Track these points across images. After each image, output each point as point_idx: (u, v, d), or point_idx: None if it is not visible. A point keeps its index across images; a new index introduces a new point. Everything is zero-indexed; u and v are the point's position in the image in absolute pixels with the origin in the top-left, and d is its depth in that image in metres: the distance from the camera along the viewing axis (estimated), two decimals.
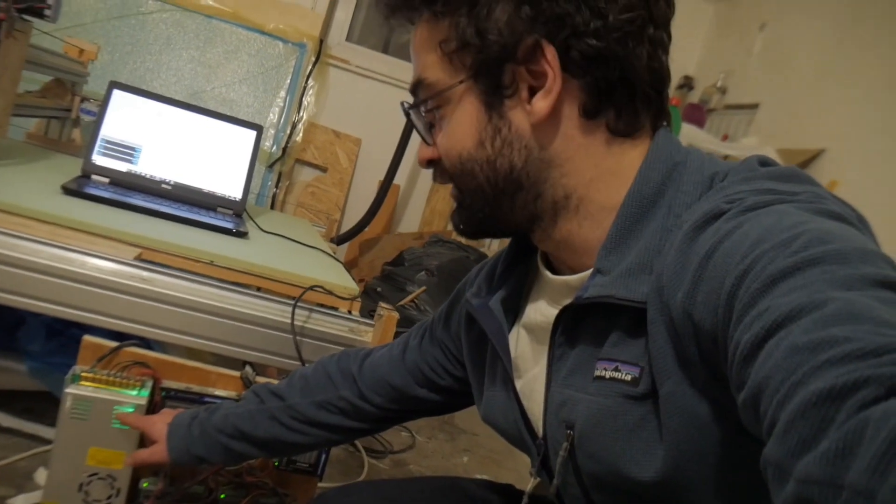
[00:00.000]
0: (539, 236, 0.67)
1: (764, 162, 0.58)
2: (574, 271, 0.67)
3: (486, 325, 0.74)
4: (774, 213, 0.47)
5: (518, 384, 0.73)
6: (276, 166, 3.34)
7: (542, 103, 0.61)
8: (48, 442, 1.30)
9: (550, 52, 0.59)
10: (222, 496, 1.08)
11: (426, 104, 0.66)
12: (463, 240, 3.35)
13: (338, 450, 1.69)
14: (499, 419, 0.76)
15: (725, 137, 3.06)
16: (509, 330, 0.76)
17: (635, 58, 0.61)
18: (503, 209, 0.66)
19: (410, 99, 0.69)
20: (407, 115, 0.69)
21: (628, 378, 0.57)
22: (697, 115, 3.20)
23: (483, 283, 0.78)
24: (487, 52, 0.61)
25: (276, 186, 3.38)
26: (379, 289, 3.04)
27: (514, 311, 0.76)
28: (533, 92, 0.61)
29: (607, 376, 0.59)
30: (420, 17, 0.65)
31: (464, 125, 0.64)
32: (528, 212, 0.65)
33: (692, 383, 0.52)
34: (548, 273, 0.70)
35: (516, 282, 0.76)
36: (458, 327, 0.85)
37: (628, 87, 0.61)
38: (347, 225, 3.46)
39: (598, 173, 0.63)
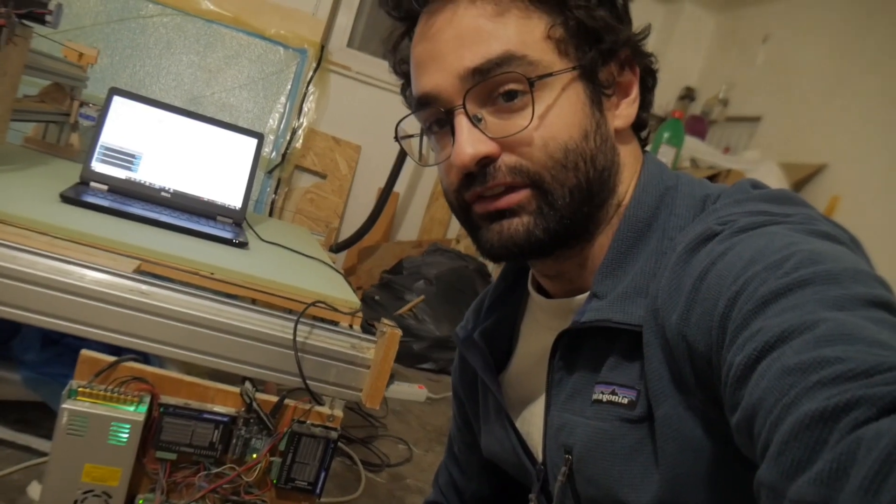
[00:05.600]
0: (567, 253, 0.63)
1: (756, 185, 0.59)
2: (567, 295, 0.66)
3: (471, 358, 0.74)
4: (766, 235, 0.47)
5: (516, 411, 0.73)
6: (276, 172, 3.33)
7: (629, 110, 0.64)
8: (42, 454, 1.28)
9: (637, 65, 0.64)
10: None
11: (523, 83, 0.58)
12: (462, 249, 3.33)
13: (335, 463, 1.67)
14: (496, 449, 0.75)
15: (727, 150, 3.06)
16: (507, 358, 0.75)
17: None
18: (584, 214, 0.61)
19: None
20: (476, 82, 0.58)
21: (625, 401, 0.57)
22: (699, 126, 3.20)
23: (471, 316, 0.78)
24: (602, 46, 0.61)
25: (275, 192, 3.37)
26: (377, 297, 3.02)
27: (507, 340, 0.76)
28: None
29: (605, 399, 0.58)
30: None
31: (569, 113, 0.59)
32: (595, 220, 0.63)
33: (688, 406, 0.51)
34: (542, 298, 0.70)
35: (508, 311, 0.75)
36: (457, 380, 0.85)
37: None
38: (346, 232, 3.44)
39: (632, 183, 0.65)
